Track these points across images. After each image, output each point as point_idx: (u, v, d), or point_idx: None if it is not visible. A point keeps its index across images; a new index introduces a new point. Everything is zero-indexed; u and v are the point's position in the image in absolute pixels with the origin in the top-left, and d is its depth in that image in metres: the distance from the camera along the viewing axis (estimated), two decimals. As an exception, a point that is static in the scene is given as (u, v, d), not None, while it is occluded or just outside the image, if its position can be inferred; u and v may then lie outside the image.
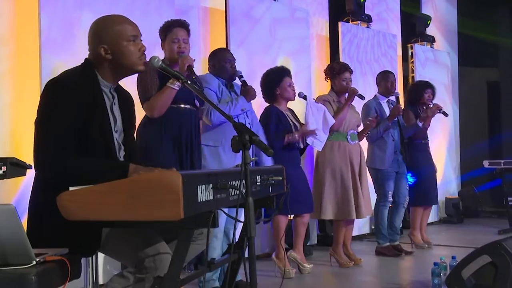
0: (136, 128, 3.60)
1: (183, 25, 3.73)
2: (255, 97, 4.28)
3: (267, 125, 4.68)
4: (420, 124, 5.94)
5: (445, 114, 6.29)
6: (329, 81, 5.43)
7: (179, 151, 3.62)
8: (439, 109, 6.10)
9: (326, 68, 5.45)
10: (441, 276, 3.94)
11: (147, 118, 3.62)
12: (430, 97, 6.19)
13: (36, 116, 2.28)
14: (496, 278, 3.44)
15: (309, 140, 4.78)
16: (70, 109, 2.22)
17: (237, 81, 4.34)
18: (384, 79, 5.92)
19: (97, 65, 2.39)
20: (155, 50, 3.67)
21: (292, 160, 4.75)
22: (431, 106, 6.13)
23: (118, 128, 2.44)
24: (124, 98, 2.53)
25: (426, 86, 6.34)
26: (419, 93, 6.18)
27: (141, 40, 2.45)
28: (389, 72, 6.08)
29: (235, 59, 4.35)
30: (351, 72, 5.33)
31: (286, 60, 6.06)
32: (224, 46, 5.51)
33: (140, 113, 3.69)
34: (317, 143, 4.83)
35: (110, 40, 2.36)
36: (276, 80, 4.80)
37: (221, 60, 4.26)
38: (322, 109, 4.84)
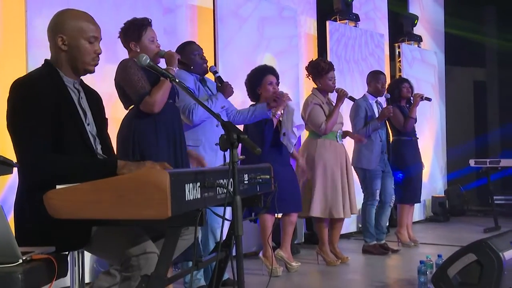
0: (121, 126, 3.58)
1: (151, 24, 3.63)
2: (232, 93, 4.22)
3: (257, 123, 4.67)
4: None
5: (428, 99, 6.32)
6: (310, 78, 5.38)
7: (174, 146, 3.59)
8: (421, 97, 6.16)
9: (310, 66, 5.33)
10: (427, 274, 3.96)
11: (138, 114, 3.52)
12: (408, 91, 6.24)
13: (7, 119, 2.26)
14: (481, 276, 3.46)
15: (283, 141, 4.76)
16: (42, 108, 2.22)
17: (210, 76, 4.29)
18: (375, 80, 5.93)
19: (56, 62, 2.39)
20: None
21: (281, 159, 4.76)
22: (412, 97, 6.20)
23: (89, 121, 2.44)
24: (90, 93, 2.54)
25: (401, 81, 6.45)
26: (397, 90, 6.22)
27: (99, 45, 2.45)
28: (380, 72, 6.10)
29: (203, 51, 4.25)
30: (334, 69, 5.32)
31: (274, 59, 6.07)
32: (212, 45, 5.51)
33: (116, 108, 3.67)
34: (289, 146, 4.79)
35: (70, 32, 2.37)
36: (257, 80, 4.77)
37: (189, 53, 4.12)
38: (292, 110, 4.77)
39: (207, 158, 4.01)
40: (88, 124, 2.41)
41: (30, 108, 2.21)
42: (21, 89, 2.26)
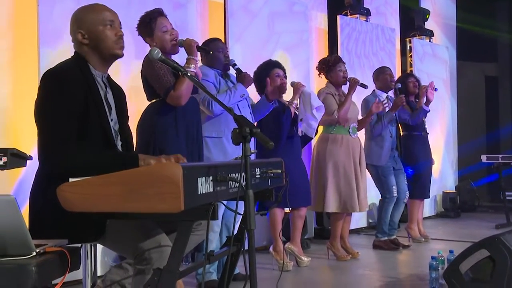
0: (142, 118, 3.59)
1: (162, 13, 3.63)
2: (252, 82, 4.31)
3: (274, 113, 4.68)
4: (427, 108, 5.97)
5: (434, 89, 6.30)
6: (323, 76, 5.39)
7: (191, 140, 3.60)
8: (426, 89, 6.14)
9: (319, 64, 5.40)
10: (438, 270, 3.95)
11: (159, 107, 3.53)
12: (415, 85, 6.23)
13: (35, 108, 2.28)
14: (493, 272, 3.44)
15: (302, 128, 4.77)
16: (70, 100, 2.24)
17: (232, 71, 4.33)
18: (382, 72, 5.91)
19: (84, 55, 2.41)
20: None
21: (293, 152, 4.76)
22: (418, 89, 6.19)
23: (113, 116, 2.46)
24: (116, 89, 2.55)
25: (407, 76, 6.45)
26: (403, 85, 6.19)
27: (121, 28, 2.47)
28: (385, 66, 6.10)
29: (227, 48, 4.33)
30: (344, 63, 5.33)
31: (284, 54, 6.06)
32: (223, 40, 5.49)
33: (136, 105, 3.68)
34: (310, 131, 4.80)
35: (87, 25, 2.39)
36: (264, 74, 4.77)
37: (214, 50, 4.17)
38: (308, 95, 4.77)
39: (230, 149, 4.04)
40: (111, 120, 2.42)
41: (60, 99, 2.22)
42: (51, 80, 2.27)
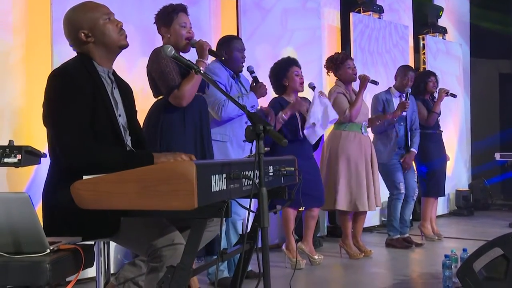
0: (149, 114, 3.56)
1: (185, 10, 3.57)
2: (265, 94, 4.22)
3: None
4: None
5: (453, 96, 6.25)
6: (331, 74, 5.37)
7: (201, 138, 3.53)
8: (446, 93, 6.09)
9: (326, 62, 5.37)
10: (452, 268, 3.92)
11: (167, 104, 3.46)
12: (434, 85, 6.18)
13: (45, 108, 2.28)
14: (507, 270, 3.42)
15: (305, 132, 4.74)
16: (80, 96, 2.24)
17: (246, 74, 4.29)
18: (402, 74, 5.86)
19: (88, 53, 2.41)
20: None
21: (303, 152, 4.73)
22: (437, 91, 6.14)
23: (121, 112, 2.46)
24: (123, 85, 2.55)
25: (428, 74, 6.35)
26: (423, 83, 6.15)
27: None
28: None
29: (245, 49, 4.26)
30: (352, 59, 5.31)
31: (297, 51, 6.04)
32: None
33: (143, 103, 3.66)
34: (312, 137, 4.77)
35: (87, 23, 2.39)
36: (283, 71, 4.76)
37: (234, 50, 4.15)
38: (325, 104, 4.76)
39: (233, 154, 4.02)
40: (119, 115, 2.42)
41: (69, 96, 2.22)
42: (59, 79, 2.28)
